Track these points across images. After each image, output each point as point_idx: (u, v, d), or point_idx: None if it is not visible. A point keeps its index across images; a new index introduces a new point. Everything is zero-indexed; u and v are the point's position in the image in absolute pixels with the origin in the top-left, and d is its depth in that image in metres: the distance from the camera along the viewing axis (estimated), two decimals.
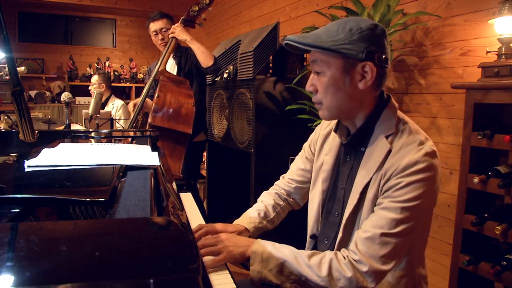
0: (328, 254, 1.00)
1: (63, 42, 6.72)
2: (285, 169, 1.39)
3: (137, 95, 6.46)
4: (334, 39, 0.98)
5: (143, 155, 1.13)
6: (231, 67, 2.87)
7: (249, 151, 2.61)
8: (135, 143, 1.42)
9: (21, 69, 2.11)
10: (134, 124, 2.60)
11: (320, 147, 1.22)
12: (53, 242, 0.50)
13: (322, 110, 1.07)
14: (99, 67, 6.71)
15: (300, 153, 1.34)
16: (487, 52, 1.73)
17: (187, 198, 1.64)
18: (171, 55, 2.82)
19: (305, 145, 1.32)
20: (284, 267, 0.99)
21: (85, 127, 2.78)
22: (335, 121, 1.16)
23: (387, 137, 1.02)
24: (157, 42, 2.78)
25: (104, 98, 3.62)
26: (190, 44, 2.58)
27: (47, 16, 6.56)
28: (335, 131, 1.15)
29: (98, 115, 2.50)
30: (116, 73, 6.84)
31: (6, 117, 1.67)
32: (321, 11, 2.48)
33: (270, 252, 1.01)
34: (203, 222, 1.37)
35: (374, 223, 0.97)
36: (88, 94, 3.90)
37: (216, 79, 3.13)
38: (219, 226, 1.19)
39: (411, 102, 2.28)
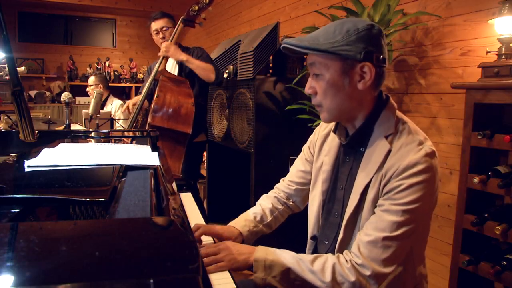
0: (331, 258, 1.00)
1: (63, 42, 6.72)
2: (285, 169, 1.39)
3: (137, 95, 6.45)
4: (332, 41, 0.98)
5: (143, 155, 1.13)
6: (231, 67, 2.87)
7: (249, 151, 2.61)
8: (135, 143, 1.42)
9: (21, 69, 2.11)
10: (134, 124, 2.60)
11: (320, 148, 1.22)
12: (53, 242, 0.50)
13: (323, 113, 1.07)
14: (99, 67, 6.71)
15: (299, 155, 1.34)
16: (487, 52, 1.73)
17: (187, 198, 1.64)
18: None
19: (305, 147, 1.32)
20: (287, 273, 0.99)
21: (85, 127, 2.79)
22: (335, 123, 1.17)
23: (386, 137, 1.02)
24: (158, 41, 2.78)
25: (102, 99, 3.62)
26: (188, 64, 2.56)
27: (47, 16, 6.56)
28: (334, 131, 1.15)
29: (98, 115, 2.50)
30: (116, 73, 6.84)
31: (6, 117, 1.68)
32: (321, 11, 2.48)
33: (272, 260, 1.01)
34: (203, 222, 1.37)
35: (375, 225, 0.98)
36: (87, 94, 3.90)
37: None
38: (213, 230, 1.20)
39: (411, 102, 2.28)
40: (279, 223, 1.34)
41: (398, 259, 0.98)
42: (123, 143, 1.46)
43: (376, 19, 2.09)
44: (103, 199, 0.71)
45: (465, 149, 1.66)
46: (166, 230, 0.58)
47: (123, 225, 0.60)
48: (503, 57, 1.65)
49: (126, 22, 7.08)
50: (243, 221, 1.26)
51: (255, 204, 1.37)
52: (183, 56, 2.53)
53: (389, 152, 1.00)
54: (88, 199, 0.72)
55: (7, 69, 1.13)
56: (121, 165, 0.97)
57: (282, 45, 1.05)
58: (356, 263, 0.97)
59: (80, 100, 6.12)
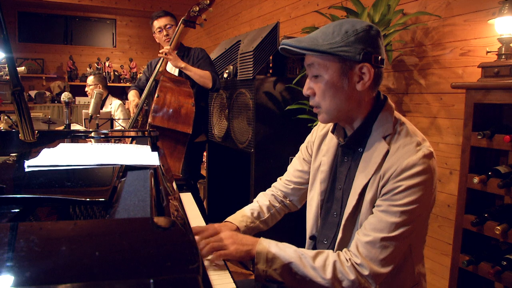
0: (331, 255, 1.01)
1: (63, 42, 6.73)
2: (285, 169, 1.39)
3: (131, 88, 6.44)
4: (331, 42, 0.98)
5: (143, 155, 1.13)
6: (231, 67, 2.87)
7: (249, 151, 2.61)
8: (135, 143, 1.42)
9: (21, 69, 2.11)
10: (134, 124, 2.60)
11: (318, 148, 1.22)
12: (53, 242, 0.50)
13: (321, 114, 1.08)
14: (99, 67, 6.72)
15: (297, 155, 1.34)
16: (487, 52, 1.73)
17: (187, 198, 1.64)
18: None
19: (302, 147, 1.32)
20: (289, 267, 1.00)
21: (85, 127, 2.79)
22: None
23: (384, 138, 1.03)
24: (161, 39, 2.79)
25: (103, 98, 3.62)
26: (186, 71, 2.57)
27: (47, 16, 6.56)
28: (333, 132, 1.15)
29: (98, 115, 2.50)
30: (116, 73, 6.84)
31: (6, 117, 1.68)
32: (321, 11, 2.48)
33: (275, 253, 1.02)
34: (203, 222, 1.37)
35: (373, 226, 0.98)
36: (87, 94, 3.90)
37: None
38: (211, 229, 1.19)
39: (411, 102, 2.28)
40: (275, 221, 1.35)
41: (396, 259, 0.99)
42: (123, 143, 1.46)
43: (376, 19, 2.09)
44: (103, 199, 0.71)
45: (465, 149, 1.66)
46: (166, 230, 0.58)
47: (123, 225, 0.60)
48: (503, 57, 1.65)
49: (126, 22, 7.08)
50: (240, 217, 1.26)
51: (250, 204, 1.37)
52: (182, 64, 2.55)
53: (387, 153, 1.01)
54: (88, 199, 0.72)
55: (7, 69, 1.13)
56: (121, 165, 0.97)
57: (281, 46, 1.05)
58: (355, 262, 0.99)
59: (80, 100, 6.13)
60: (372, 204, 1.02)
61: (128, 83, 6.87)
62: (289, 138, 2.61)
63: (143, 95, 2.61)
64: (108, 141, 1.46)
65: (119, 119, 3.47)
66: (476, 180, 1.58)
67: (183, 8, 5.54)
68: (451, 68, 2.04)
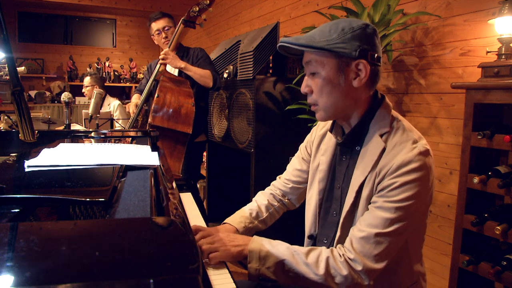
0: (324, 251, 1.02)
1: (63, 42, 6.73)
2: (285, 169, 1.40)
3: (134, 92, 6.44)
4: (327, 39, 1.00)
5: (143, 155, 1.13)
6: (231, 67, 2.87)
7: (249, 151, 2.61)
8: (135, 143, 1.42)
9: (21, 69, 2.11)
10: (134, 124, 2.60)
11: (317, 147, 1.23)
12: (53, 242, 0.50)
13: (319, 112, 1.09)
14: (99, 67, 6.72)
15: (296, 154, 1.35)
16: (487, 52, 1.73)
17: (187, 198, 1.64)
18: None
19: (301, 146, 1.33)
20: (282, 265, 1.01)
21: (85, 127, 2.79)
22: (330, 122, 1.17)
23: (381, 136, 1.04)
24: (160, 41, 2.78)
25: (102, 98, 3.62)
26: (186, 71, 2.55)
27: (47, 16, 6.56)
28: (331, 131, 1.16)
29: (98, 115, 2.50)
30: (116, 73, 6.84)
31: (6, 117, 1.68)
32: (321, 11, 2.48)
33: (267, 251, 1.02)
34: (203, 222, 1.37)
35: (368, 222, 0.99)
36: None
37: None
38: (212, 230, 1.19)
39: (411, 102, 2.28)
40: (274, 220, 1.35)
41: (389, 256, 0.99)
42: (123, 143, 1.46)
43: (376, 19, 2.09)
44: (103, 199, 0.71)
45: (465, 149, 1.66)
46: (166, 230, 0.58)
47: (123, 225, 0.60)
48: (503, 57, 1.65)
49: (126, 22, 7.08)
50: (238, 218, 1.27)
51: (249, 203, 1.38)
52: (181, 63, 2.54)
53: (383, 150, 1.02)
54: (88, 199, 0.72)
55: (7, 69, 1.13)
56: (121, 165, 0.97)
57: (279, 44, 1.06)
58: (348, 257, 0.99)
59: (80, 100, 6.13)
60: (369, 201, 1.03)
61: (128, 83, 6.87)
62: (289, 138, 2.61)
63: (143, 95, 2.61)
64: (108, 141, 1.46)
65: (119, 119, 3.47)
66: (476, 180, 1.58)
67: (183, 8, 5.54)
68: (451, 68, 2.04)
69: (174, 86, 2.42)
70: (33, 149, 1.12)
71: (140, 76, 6.84)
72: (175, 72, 2.74)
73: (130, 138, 1.63)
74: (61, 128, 2.46)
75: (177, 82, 2.48)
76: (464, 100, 1.68)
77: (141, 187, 0.84)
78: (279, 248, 1.03)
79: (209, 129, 3.18)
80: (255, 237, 1.08)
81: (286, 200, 1.35)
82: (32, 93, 6.21)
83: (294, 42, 1.03)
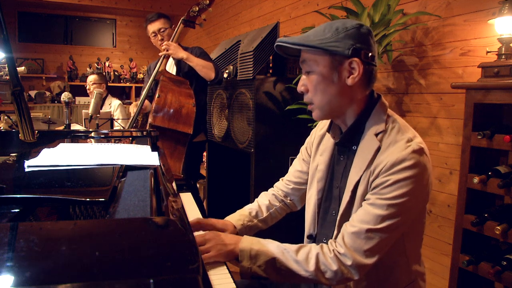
0: (314, 248, 1.03)
1: (63, 42, 6.73)
2: (285, 169, 1.40)
3: (137, 95, 6.47)
4: (321, 38, 1.02)
5: (143, 155, 1.13)
6: (231, 67, 2.87)
7: (249, 151, 2.61)
8: (135, 143, 1.42)
9: (21, 69, 2.11)
10: (134, 124, 2.60)
11: (316, 148, 1.25)
12: (53, 242, 0.50)
13: (315, 110, 1.10)
14: (99, 67, 6.72)
15: (297, 156, 1.37)
16: (487, 52, 1.73)
17: (187, 198, 1.64)
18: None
19: (302, 148, 1.35)
20: (273, 263, 1.02)
21: (85, 127, 2.79)
22: (329, 122, 1.19)
23: (376, 135, 1.05)
24: (156, 43, 2.77)
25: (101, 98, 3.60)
26: (188, 61, 2.55)
27: (47, 16, 6.56)
28: (328, 131, 1.17)
29: (98, 115, 2.50)
30: (116, 73, 6.84)
31: (6, 117, 1.68)
32: (321, 11, 2.48)
33: (258, 250, 1.03)
34: None
35: (361, 218, 1.00)
36: (87, 94, 3.88)
37: None
38: (205, 224, 1.23)
39: (411, 102, 2.28)
40: (276, 220, 1.37)
41: (380, 251, 1.00)
42: (123, 143, 1.46)
43: (376, 19, 2.09)
44: (103, 199, 0.71)
45: (465, 149, 1.66)
46: (166, 230, 0.58)
47: (123, 225, 0.60)
48: (503, 57, 1.65)
49: (126, 22, 7.08)
50: (238, 216, 1.29)
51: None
52: (184, 54, 2.53)
53: (378, 149, 1.03)
54: (88, 199, 0.72)
55: (7, 69, 1.13)
56: (121, 165, 0.97)
57: (276, 44, 1.09)
58: (338, 252, 1.00)
59: (80, 100, 6.13)
60: (363, 200, 1.04)
61: (128, 83, 6.87)
62: (289, 138, 2.61)
63: (143, 95, 2.61)
64: (108, 141, 1.46)
65: (119, 119, 3.47)
66: (476, 180, 1.58)
67: (183, 8, 5.54)
68: (451, 68, 2.04)
69: (175, 87, 2.42)
70: (33, 149, 1.12)
71: (140, 76, 6.84)
72: (173, 71, 2.74)
73: (130, 138, 1.63)
74: (61, 128, 2.46)
75: (178, 82, 2.48)
76: (464, 100, 1.68)
77: (141, 187, 0.84)
78: (269, 247, 1.04)
79: (209, 129, 3.18)
80: (245, 236, 1.09)
81: (289, 201, 1.36)
82: (32, 93, 6.21)
83: (289, 41, 1.05)
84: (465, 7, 1.95)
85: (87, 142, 1.40)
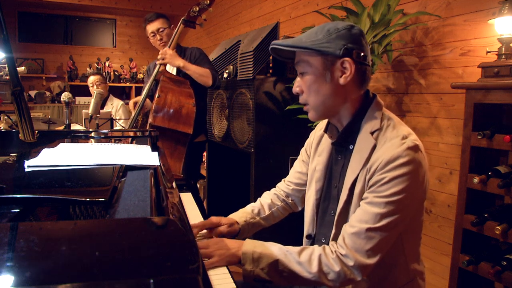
0: (317, 249, 1.04)
1: (63, 42, 6.73)
2: (285, 169, 1.41)
3: (137, 95, 6.46)
4: (313, 40, 1.04)
5: (143, 155, 1.13)
6: (231, 67, 2.87)
7: (249, 151, 2.61)
8: (135, 143, 1.42)
9: (21, 69, 2.11)
10: (134, 124, 2.60)
11: (315, 149, 1.26)
12: (53, 242, 0.50)
13: (310, 111, 1.12)
14: (99, 67, 6.72)
15: (298, 157, 1.38)
16: (487, 52, 1.73)
17: (187, 198, 1.64)
18: None
19: (302, 150, 1.37)
20: (275, 265, 1.02)
21: (85, 127, 2.79)
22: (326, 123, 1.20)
23: (372, 133, 1.06)
24: (156, 43, 2.77)
25: (103, 98, 3.60)
26: (185, 69, 2.54)
27: (47, 16, 6.56)
28: (325, 131, 1.18)
29: (98, 115, 2.50)
30: (116, 73, 6.84)
31: (6, 117, 1.68)
32: (321, 11, 2.48)
33: (260, 252, 1.04)
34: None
35: (359, 217, 1.01)
36: (88, 94, 3.88)
37: None
38: (213, 219, 1.25)
39: (411, 102, 2.28)
40: (278, 219, 1.39)
41: (382, 251, 1.00)
42: (123, 143, 1.46)
43: (376, 19, 2.09)
44: (103, 199, 0.71)
45: (465, 149, 1.66)
46: (166, 230, 0.58)
47: (123, 225, 0.60)
48: (503, 57, 1.65)
49: (126, 22, 7.08)
50: (240, 213, 1.32)
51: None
52: (180, 62, 2.52)
53: (374, 147, 1.04)
54: (88, 199, 0.72)
55: (7, 69, 1.13)
56: (121, 165, 0.97)
57: (270, 47, 1.11)
58: (340, 253, 1.01)
59: (80, 100, 6.13)
60: (361, 198, 1.04)
61: (128, 83, 6.87)
62: (289, 138, 2.61)
63: (143, 95, 2.61)
64: (108, 141, 1.46)
65: (119, 119, 3.47)
66: (476, 180, 1.58)
67: (183, 8, 5.54)
68: (451, 68, 2.04)
69: (175, 87, 2.42)
70: (33, 149, 1.12)
71: (140, 76, 6.84)
72: (173, 71, 2.74)
73: (130, 138, 1.63)
74: (61, 128, 2.46)
75: (178, 82, 2.48)
76: (464, 100, 1.68)
77: (141, 187, 0.84)
78: (271, 249, 1.05)
79: (209, 129, 3.18)
80: (248, 240, 1.10)
81: (290, 201, 1.38)
82: (32, 93, 6.21)
83: (282, 44, 1.08)
84: (465, 7, 1.95)
85: (87, 142, 1.40)
